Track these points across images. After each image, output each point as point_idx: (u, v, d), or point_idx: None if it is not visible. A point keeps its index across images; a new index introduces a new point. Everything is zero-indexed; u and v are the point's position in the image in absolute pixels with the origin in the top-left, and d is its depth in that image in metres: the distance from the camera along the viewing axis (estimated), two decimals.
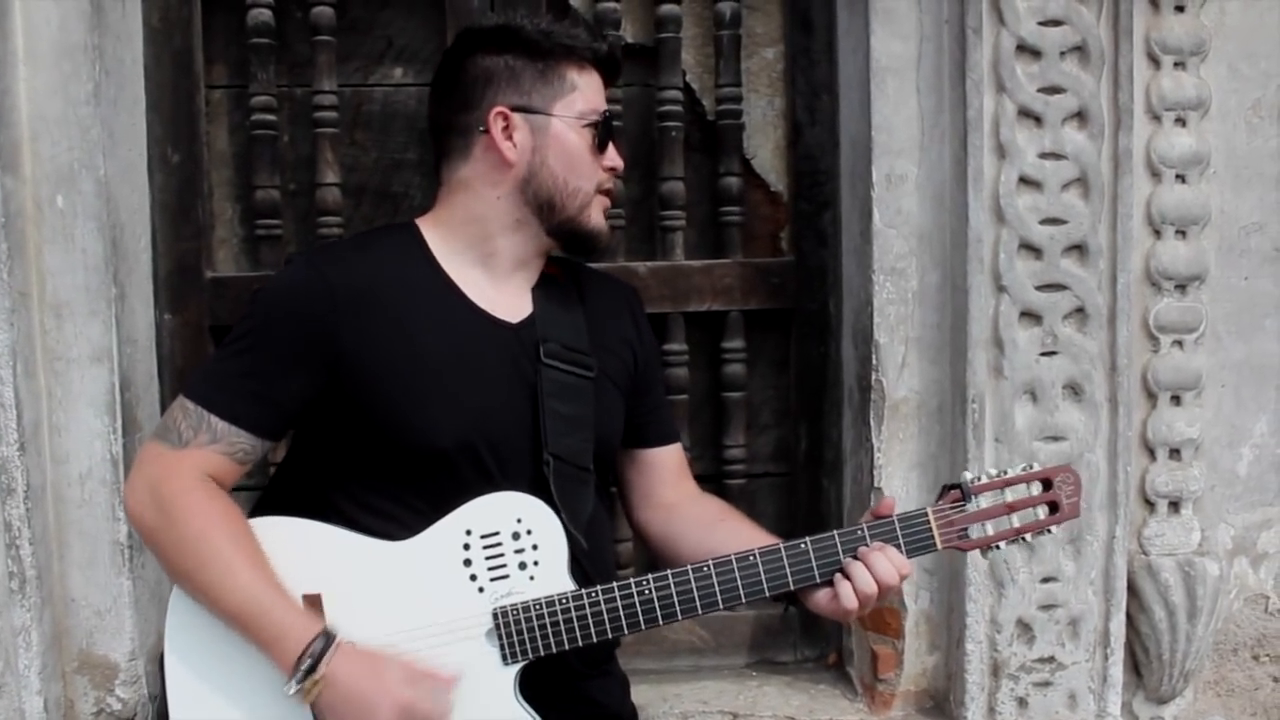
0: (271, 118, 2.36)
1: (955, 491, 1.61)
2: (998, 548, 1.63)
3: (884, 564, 1.57)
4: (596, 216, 1.73)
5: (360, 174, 2.44)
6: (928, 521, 1.60)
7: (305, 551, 1.58)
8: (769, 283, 2.45)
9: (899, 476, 2.26)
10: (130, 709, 2.17)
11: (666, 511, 1.88)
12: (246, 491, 2.30)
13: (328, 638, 1.49)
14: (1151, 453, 2.28)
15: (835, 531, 1.60)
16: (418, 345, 1.63)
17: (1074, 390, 2.19)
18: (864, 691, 2.35)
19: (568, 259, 1.84)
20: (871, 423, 2.25)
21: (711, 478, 2.48)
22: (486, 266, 1.71)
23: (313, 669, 1.47)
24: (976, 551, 1.65)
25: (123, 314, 2.16)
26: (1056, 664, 2.22)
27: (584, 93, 1.70)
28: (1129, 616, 2.25)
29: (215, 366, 1.66)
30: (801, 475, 2.53)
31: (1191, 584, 2.25)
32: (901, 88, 2.21)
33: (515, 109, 1.67)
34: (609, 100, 1.78)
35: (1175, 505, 2.29)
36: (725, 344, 2.45)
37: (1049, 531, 1.65)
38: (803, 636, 2.51)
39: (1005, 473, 1.63)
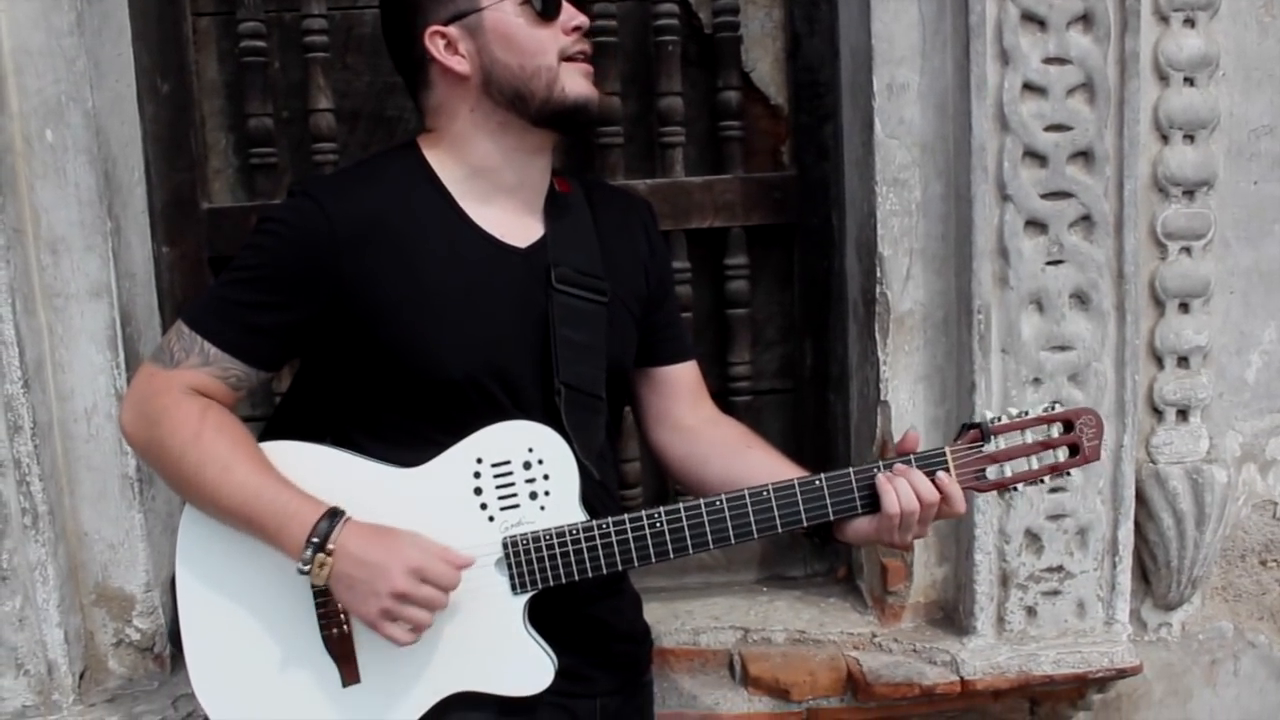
0: (261, 44, 2.32)
1: (974, 431, 1.58)
2: (1015, 489, 1.60)
3: (924, 480, 1.54)
4: (573, 85, 1.61)
5: (354, 99, 2.40)
6: (945, 461, 1.56)
7: (313, 475, 1.57)
8: (771, 198, 2.42)
9: (905, 389, 2.25)
10: (148, 639, 2.20)
11: (686, 434, 1.84)
12: (253, 422, 2.33)
13: (334, 515, 1.50)
14: (1159, 361, 2.26)
15: (851, 468, 1.56)
16: (423, 274, 1.60)
17: (1080, 299, 2.17)
18: (874, 604, 2.37)
19: (580, 175, 1.80)
20: (877, 336, 2.23)
21: (717, 395, 2.43)
22: (490, 185, 1.66)
23: (321, 546, 1.47)
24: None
25: (119, 248, 2.14)
26: (1065, 573, 2.23)
27: None
28: (1137, 525, 2.26)
29: (214, 293, 1.64)
30: (807, 391, 2.52)
31: (1199, 491, 2.25)
32: None
33: (447, 22, 1.59)
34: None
35: (1183, 413, 2.28)
36: (728, 261, 2.43)
37: (1068, 474, 1.62)
38: (812, 551, 2.53)
39: (1026, 414, 1.59)
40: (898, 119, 2.17)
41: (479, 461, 1.58)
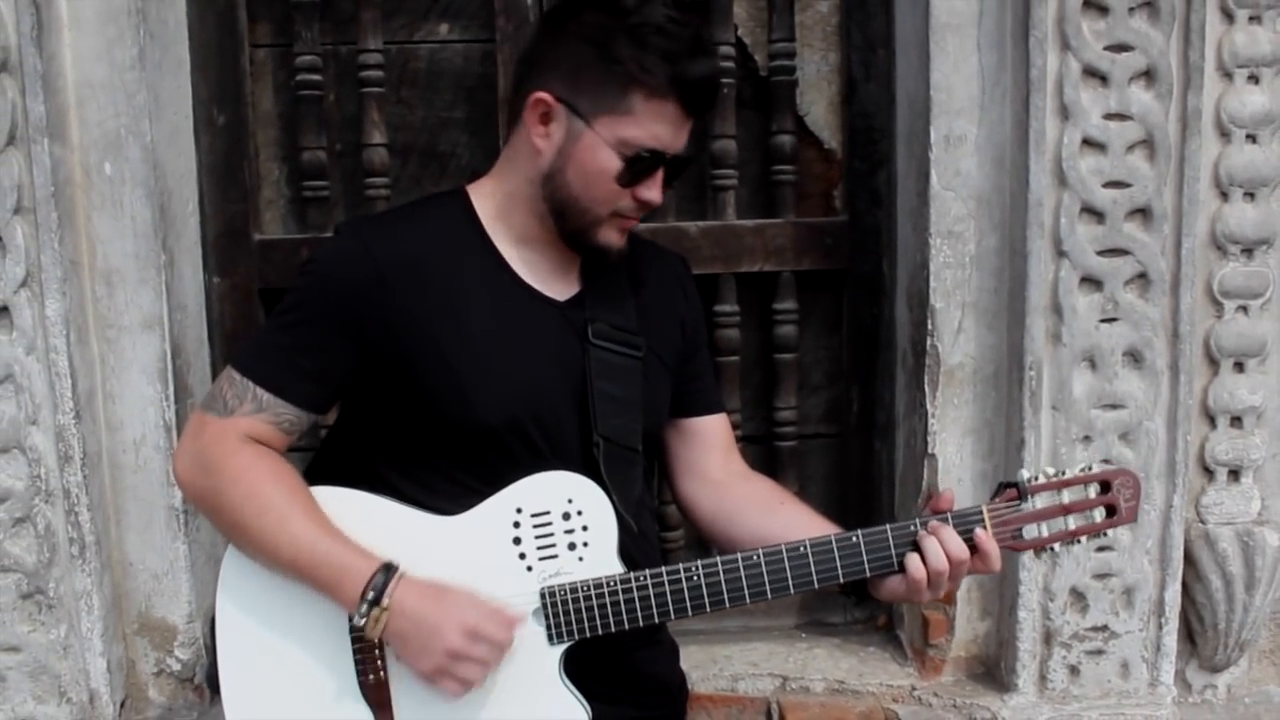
0: (317, 77, 2.33)
1: (1011, 490, 1.57)
2: (1051, 550, 1.59)
3: (955, 539, 1.54)
4: (606, 236, 1.64)
5: (407, 133, 2.41)
6: (982, 519, 1.56)
7: (356, 522, 1.57)
8: (822, 243, 2.41)
9: (953, 443, 2.23)
10: (189, 669, 2.21)
11: (715, 488, 1.83)
12: (298, 453, 2.33)
13: (389, 570, 1.50)
14: (1212, 420, 2.23)
15: (888, 525, 1.56)
16: (465, 321, 1.61)
17: (1134, 357, 2.14)
18: (914, 656, 2.35)
19: None
20: (926, 388, 2.21)
21: (762, 438, 2.47)
22: (530, 243, 1.67)
23: (377, 601, 1.48)
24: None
25: (172, 280, 2.16)
26: (1109, 633, 2.20)
27: (640, 120, 1.55)
28: (1184, 586, 2.23)
29: (262, 338, 1.66)
30: (853, 437, 2.50)
31: (1250, 553, 2.22)
32: (962, 45, 2.14)
33: (561, 100, 1.58)
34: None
35: (1235, 473, 2.24)
36: (777, 305, 2.42)
37: (1104, 535, 1.61)
38: (852, 598, 2.51)
39: (1064, 473, 1.58)
40: (954, 170, 2.16)
41: (519, 511, 1.58)
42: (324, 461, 1.78)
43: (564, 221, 1.62)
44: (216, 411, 1.60)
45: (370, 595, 1.48)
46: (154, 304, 2.11)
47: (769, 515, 1.76)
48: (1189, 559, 2.23)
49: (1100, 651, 2.22)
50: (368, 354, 1.59)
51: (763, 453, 2.45)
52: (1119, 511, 1.58)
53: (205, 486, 1.59)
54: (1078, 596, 2.20)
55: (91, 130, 2.06)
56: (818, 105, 2.44)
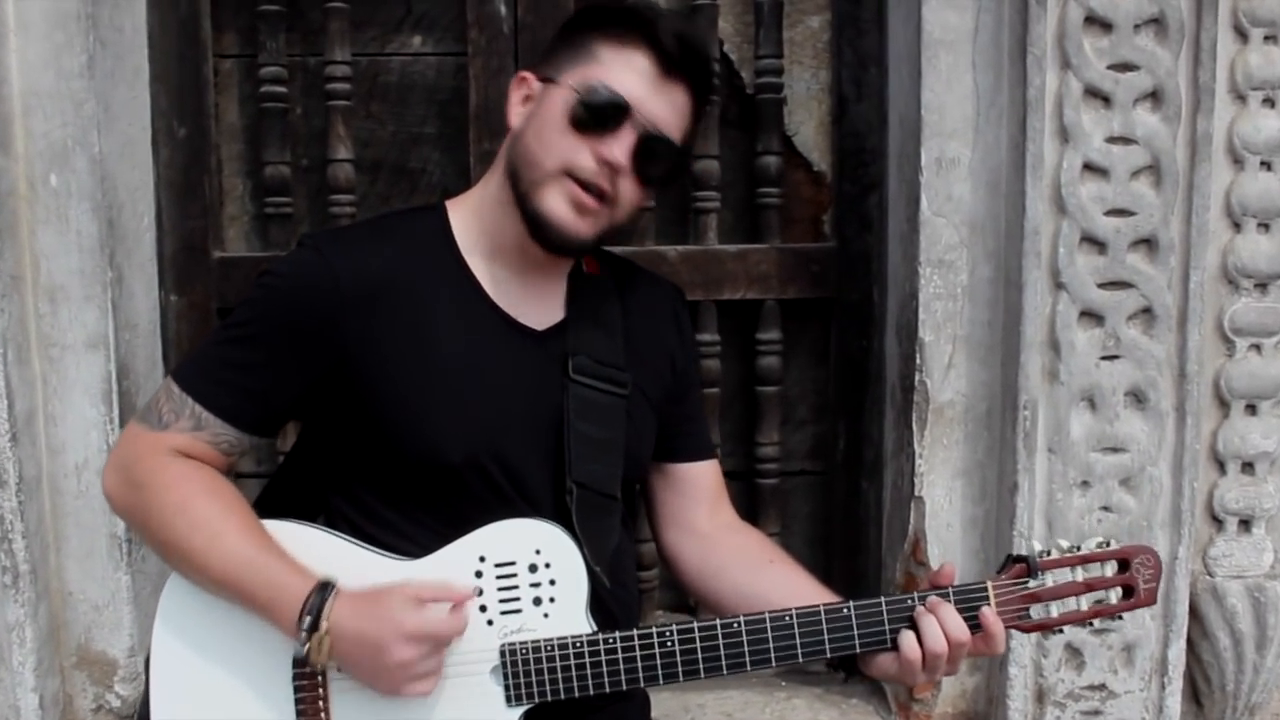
0: (282, 89, 2.23)
1: (1020, 565, 1.43)
2: (1060, 632, 1.46)
3: (956, 619, 1.40)
4: (550, 202, 1.45)
5: (376, 149, 2.31)
6: (987, 596, 1.42)
7: (303, 559, 1.45)
8: (809, 270, 2.28)
9: (941, 485, 2.09)
10: (129, 706, 2.10)
11: (701, 541, 1.70)
12: (253, 479, 2.23)
13: (325, 588, 1.38)
14: (1221, 466, 2.09)
15: (883, 598, 1.43)
16: (430, 348, 1.48)
17: (1137, 398, 2.00)
18: (898, 710, 2.20)
19: (610, 254, 1.69)
20: (914, 426, 2.08)
21: (743, 475, 2.34)
22: (508, 260, 1.54)
23: (315, 624, 1.36)
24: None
25: (121, 298, 2.06)
26: (1108, 692, 2.06)
27: (605, 66, 1.44)
28: (1190, 643, 2.08)
29: (207, 350, 1.53)
30: (839, 474, 2.37)
31: (1261, 610, 2.07)
32: (956, 63, 2.01)
33: (535, 72, 1.51)
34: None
35: (1246, 524, 2.10)
36: (760, 335, 2.30)
37: (1119, 618, 1.47)
38: (840, 674, 2.35)
39: (1078, 549, 1.44)
40: (946, 195, 2.03)
41: (481, 560, 1.45)
42: (278, 490, 1.67)
43: (516, 184, 1.48)
44: (150, 424, 1.49)
45: (308, 620, 1.36)
46: (99, 322, 2.01)
47: (756, 574, 1.63)
48: (1195, 614, 2.08)
49: (1097, 712, 2.07)
50: (321, 378, 1.47)
51: (744, 490, 2.32)
52: (1137, 593, 1.44)
53: (133, 501, 1.48)
54: (1074, 652, 2.05)
55: (37, 141, 1.97)
56: (806, 125, 2.32)
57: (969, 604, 1.42)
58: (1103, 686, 2.06)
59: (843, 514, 2.37)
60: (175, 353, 2.22)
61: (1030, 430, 1.99)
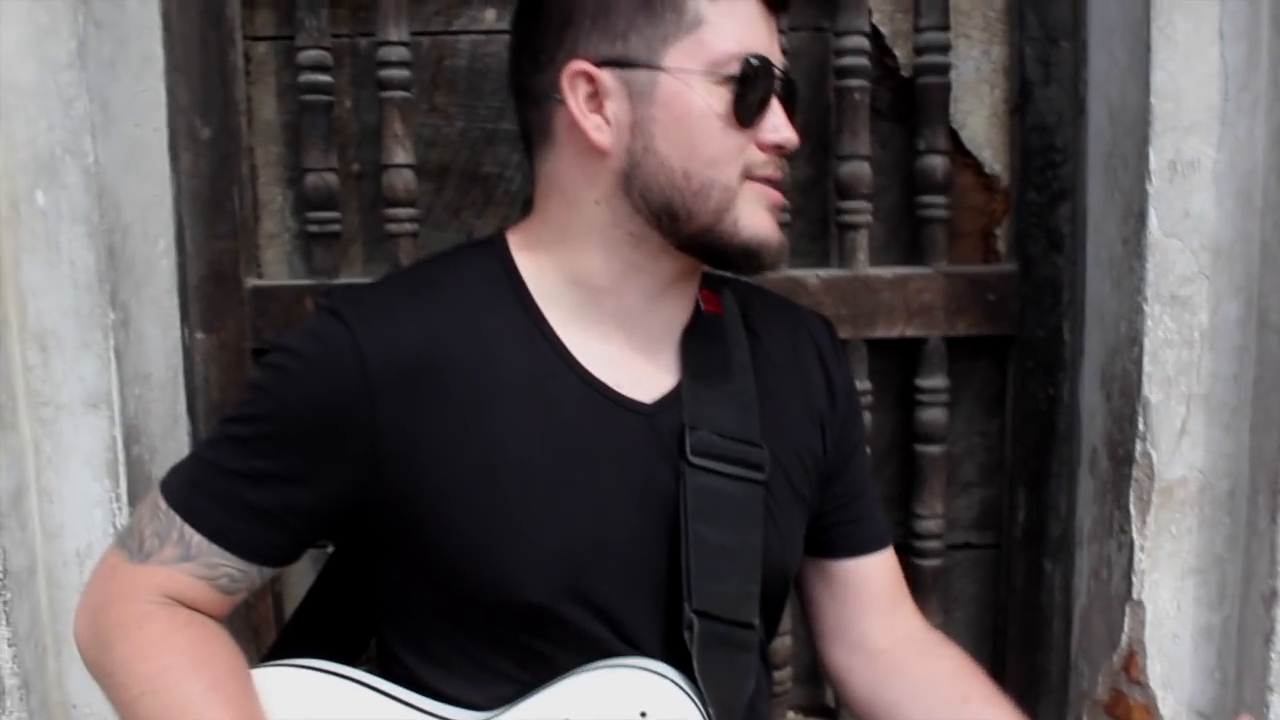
0: (326, 78, 1.81)
1: None
2: None
3: None
4: (750, 220, 1.12)
5: (442, 150, 1.88)
6: None
7: None
8: (982, 300, 1.82)
9: (1168, 585, 1.62)
10: None
11: (875, 660, 1.33)
12: None
13: None
14: None
15: None
16: (494, 441, 1.10)
17: None
18: None
19: (731, 279, 1.28)
20: (1132, 508, 1.62)
21: (897, 551, 1.89)
22: (605, 310, 1.15)
23: None
24: None
25: (127, 343, 1.67)
26: None
27: (719, 27, 1.09)
28: None
29: (201, 456, 1.16)
30: (1016, 551, 1.90)
31: None
32: (1196, 31, 1.53)
33: (604, 63, 1.09)
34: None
35: None
36: (921, 381, 1.84)
37: None
38: None
39: None
40: (1181, 210, 1.55)
41: None
42: (306, 619, 1.31)
43: (678, 225, 1.11)
44: (130, 552, 1.14)
45: None
46: (99, 376, 1.62)
47: (945, 712, 1.27)
48: None
49: None
50: (349, 492, 1.10)
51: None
52: None
53: (100, 663, 1.15)
54: None
55: (18, 150, 1.57)
56: (975, 116, 1.85)
57: None
58: None
59: (1020, 602, 1.90)
60: (203, 404, 1.83)
61: None
